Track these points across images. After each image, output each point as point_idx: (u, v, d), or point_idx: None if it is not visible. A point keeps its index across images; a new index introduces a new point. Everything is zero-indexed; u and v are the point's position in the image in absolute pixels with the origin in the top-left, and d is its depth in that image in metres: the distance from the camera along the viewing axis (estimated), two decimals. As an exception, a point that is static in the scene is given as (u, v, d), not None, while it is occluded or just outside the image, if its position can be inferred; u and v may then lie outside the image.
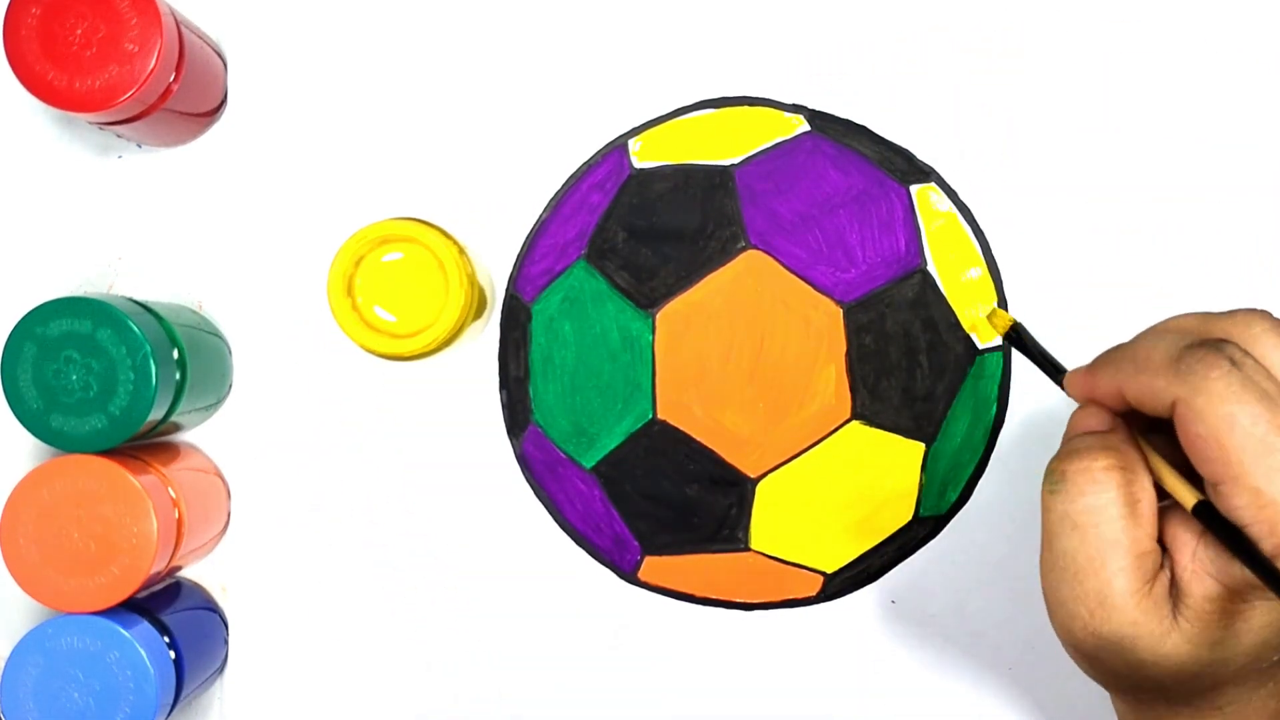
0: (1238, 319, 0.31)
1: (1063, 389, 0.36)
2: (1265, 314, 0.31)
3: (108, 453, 0.43)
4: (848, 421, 0.47)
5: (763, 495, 0.48)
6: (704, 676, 0.48)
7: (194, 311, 0.48)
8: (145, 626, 0.43)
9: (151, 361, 0.42)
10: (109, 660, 0.42)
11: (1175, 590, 0.31)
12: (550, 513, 0.48)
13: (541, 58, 0.48)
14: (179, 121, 0.47)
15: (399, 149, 0.49)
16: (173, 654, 0.44)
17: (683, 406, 0.48)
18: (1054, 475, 0.32)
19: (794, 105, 0.48)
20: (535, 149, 0.48)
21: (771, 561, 0.48)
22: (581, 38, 0.48)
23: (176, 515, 0.44)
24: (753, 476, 0.48)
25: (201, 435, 0.49)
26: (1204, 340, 0.30)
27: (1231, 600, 0.31)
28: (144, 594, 0.46)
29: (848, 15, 0.48)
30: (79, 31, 0.42)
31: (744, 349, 0.47)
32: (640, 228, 0.48)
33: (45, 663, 0.42)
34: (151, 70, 0.42)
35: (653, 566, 0.48)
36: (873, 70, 0.48)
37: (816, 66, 0.48)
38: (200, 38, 0.47)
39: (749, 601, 0.48)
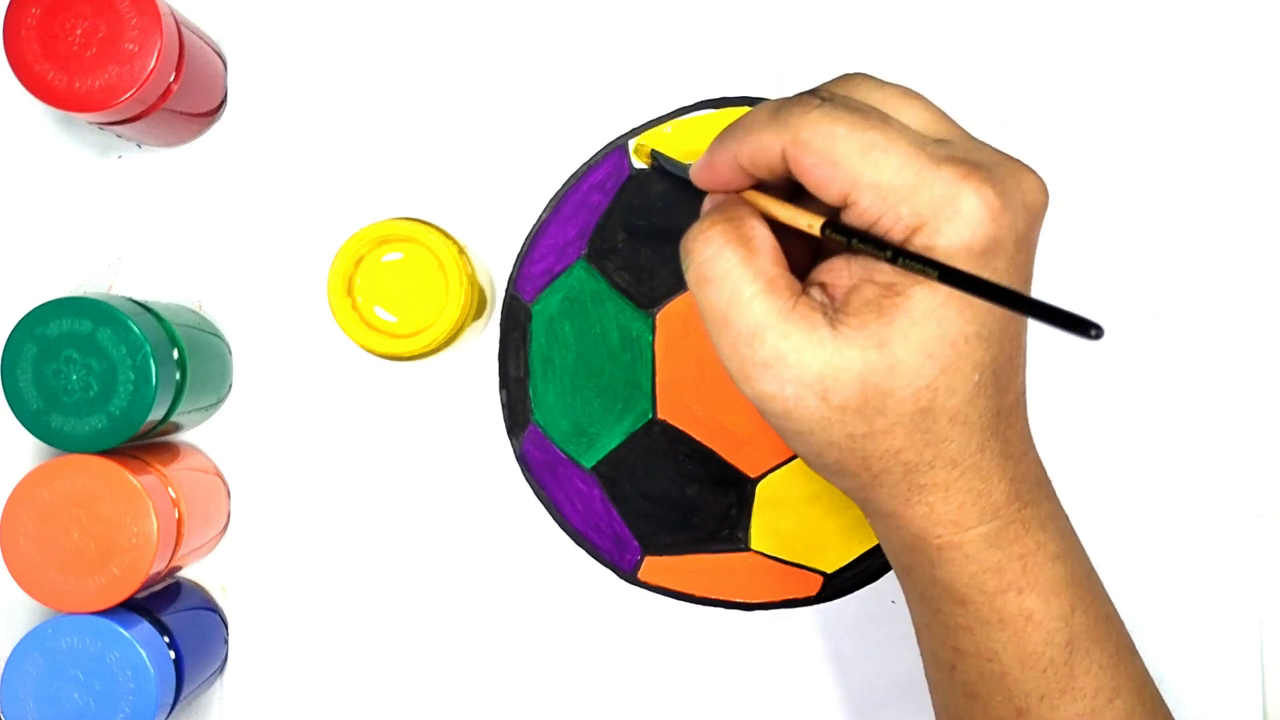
0: (837, 79, 0.34)
1: (694, 189, 0.37)
2: (865, 75, 0.34)
3: (108, 453, 0.43)
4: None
5: (763, 495, 0.48)
6: (704, 676, 0.48)
7: (194, 311, 0.48)
8: (145, 626, 0.43)
9: (151, 361, 0.42)
10: (109, 660, 0.42)
11: (832, 310, 0.32)
12: (550, 513, 0.48)
13: (541, 58, 0.48)
14: (179, 121, 0.47)
15: (399, 149, 0.49)
16: (173, 654, 0.44)
17: (683, 406, 0.48)
18: (681, 256, 0.34)
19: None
20: (535, 149, 0.48)
21: (771, 561, 0.48)
22: (582, 38, 0.48)
23: (176, 515, 0.44)
24: (753, 476, 0.48)
25: (201, 435, 0.49)
26: (797, 96, 0.33)
27: (887, 294, 0.31)
28: (144, 594, 0.46)
29: (848, 15, 0.48)
30: (79, 31, 0.42)
31: (744, 349, 0.47)
32: (640, 228, 0.48)
33: (45, 663, 0.42)
34: (151, 70, 0.42)
35: (653, 566, 0.48)
36: (872, 70, 0.48)
37: (816, 66, 0.48)
38: (200, 38, 0.47)
39: (749, 601, 0.48)
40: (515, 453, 0.48)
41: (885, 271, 0.31)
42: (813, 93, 0.33)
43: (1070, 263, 0.47)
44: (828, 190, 0.31)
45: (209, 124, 0.49)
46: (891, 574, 0.48)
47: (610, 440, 0.48)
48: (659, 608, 0.48)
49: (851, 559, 0.48)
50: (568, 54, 0.48)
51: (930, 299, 0.31)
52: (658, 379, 0.48)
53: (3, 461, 0.48)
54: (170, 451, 0.47)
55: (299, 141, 0.49)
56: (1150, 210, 0.47)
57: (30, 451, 0.48)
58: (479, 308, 0.46)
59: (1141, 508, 0.47)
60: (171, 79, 0.44)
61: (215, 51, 0.48)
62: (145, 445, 0.46)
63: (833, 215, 0.32)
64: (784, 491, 0.48)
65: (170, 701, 0.43)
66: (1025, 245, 0.32)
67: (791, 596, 0.48)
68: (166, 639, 0.44)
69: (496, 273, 0.49)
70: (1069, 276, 0.47)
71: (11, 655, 0.42)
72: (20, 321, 0.42)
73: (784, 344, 0.31)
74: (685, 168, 0.40)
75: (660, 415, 0.48)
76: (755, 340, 0.31)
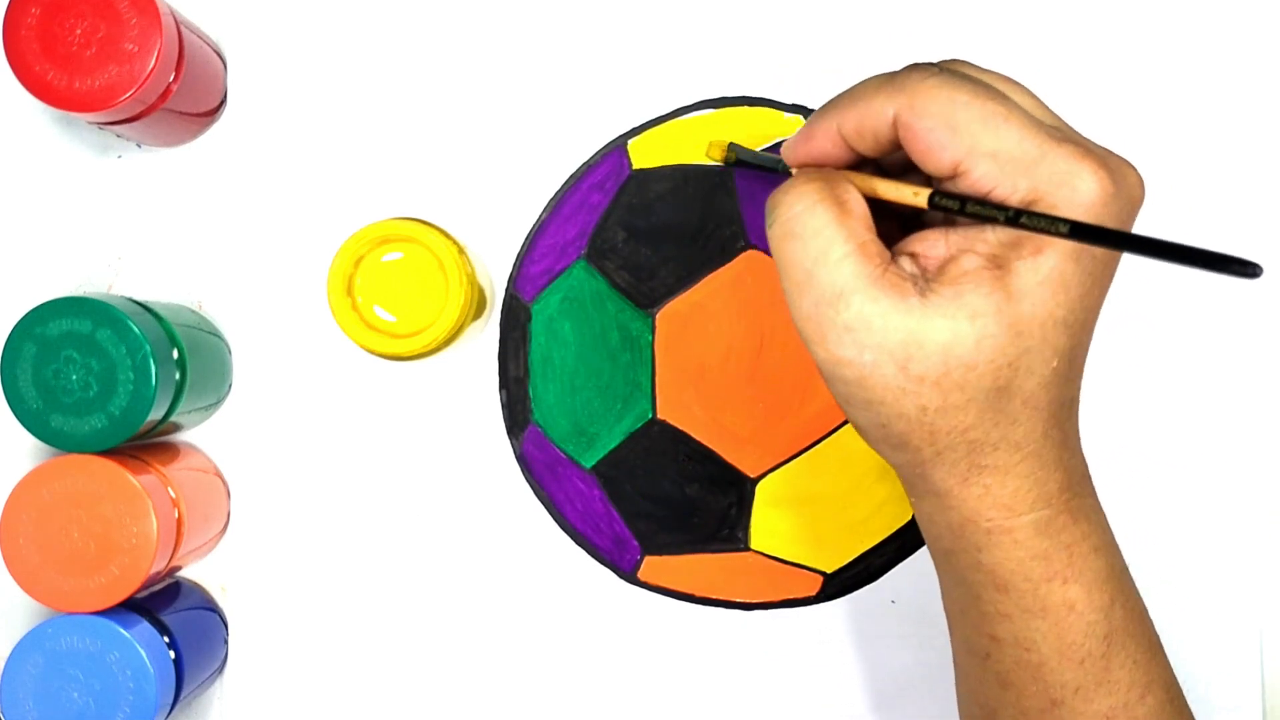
0: (945, 61, 0.34)
1: (782, 171, 0.36)
2: (967, 61, 0.34)
3: (108, 453, 0.43)
4: (847, 421, 0.47)
5: (762, 495, 0.48)
6: (704, 676, 0.48)
7: (194, 311, 0.48)
8: (145, 626, 0.43)
9: (151, 361, 0.42)
10: (109, 660, 0.42)
11: (927, 279, 0.31)
12: (550, 513, 0.48)
13: (541, 58, 0.48)
14: (179, 121, 0.47)
15: (399, 149, 0.49)
16: (173, 654, 0.44)
17: (683, 406, 0.48)
18: (768, 211, 0.33)
19: (794, 105, 0.48)
20: (535, 149, 0.48)
21: (771, 561, 0.48)
22: (581, 38, 0.48)
23: (176, 515, 0.44)
24: (752, 476, 0.48)
25: (201, 435, 0.49)
26: (910, 65, 0.33)
27: (989, 266, 0.31)
28: (144, 594, 0.46)
29: (847, 15, 0.48)
30: (79, 31, 0.42)
31: (744, 349, 0.47)
32: (640, 228, 0.48)
33: (45, 663, 0.42)
34: (151, 70, 0.42)
35: (653, 566, 0.48)
36: (872, 70, 0.48)
37: (816, 66, 0.48)
38: (200, 38, 0.47)
39: (749, 601, 0.48)
40: (515, 453, 0.48)
41: (989, 243, 0.31)
42: (927, 63, 0.32)
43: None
44: (939, 157, 0.31)
45: (209, 124, 0.49)
46: (891, 574, 0.48)
47: (610, 440, 0.48)
48: (659, 608, 0.48)
49: (851, 559, 0.48)
50: (568, 54, 0.48)
51: (1031, 277, 0.30)
52: (657, 379, 0.48)
53: (3, 461, 0.48)
54: (170, 451, 0.47)
55: (299, 141, 0.49)
56: (1152, 210, 0.47)
57: (30, 451, 0.48)
58: (479, 308, 0.46)
59: (1142, 508, 0.47)
60: (171, 79, 0.44)
61: (215, 51, 0.48)
62: (145, 445, 0.46)
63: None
64: (784, 491, 0.48)
65: (170, 701, 0.43)
66: (1128, 224, 0.32)
67: (791, 596, 0.48)
68: (166, 639, 0.44)
69: (496, 273, 0.49)
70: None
71: (11, 655, 0.42)
72: (20, 321, 0.42)
73: (870, 308, 0.31)
74: (770, 158, 0.40)
75: (660, 415, 0.48)
76: (840, 302, 0.31)
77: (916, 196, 0.32)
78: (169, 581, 0.48)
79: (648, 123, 0.48)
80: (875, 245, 0.32)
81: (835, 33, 0.48)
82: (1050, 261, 0.30)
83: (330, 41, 0.49)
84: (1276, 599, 0.47)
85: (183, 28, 0.44)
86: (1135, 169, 0.32)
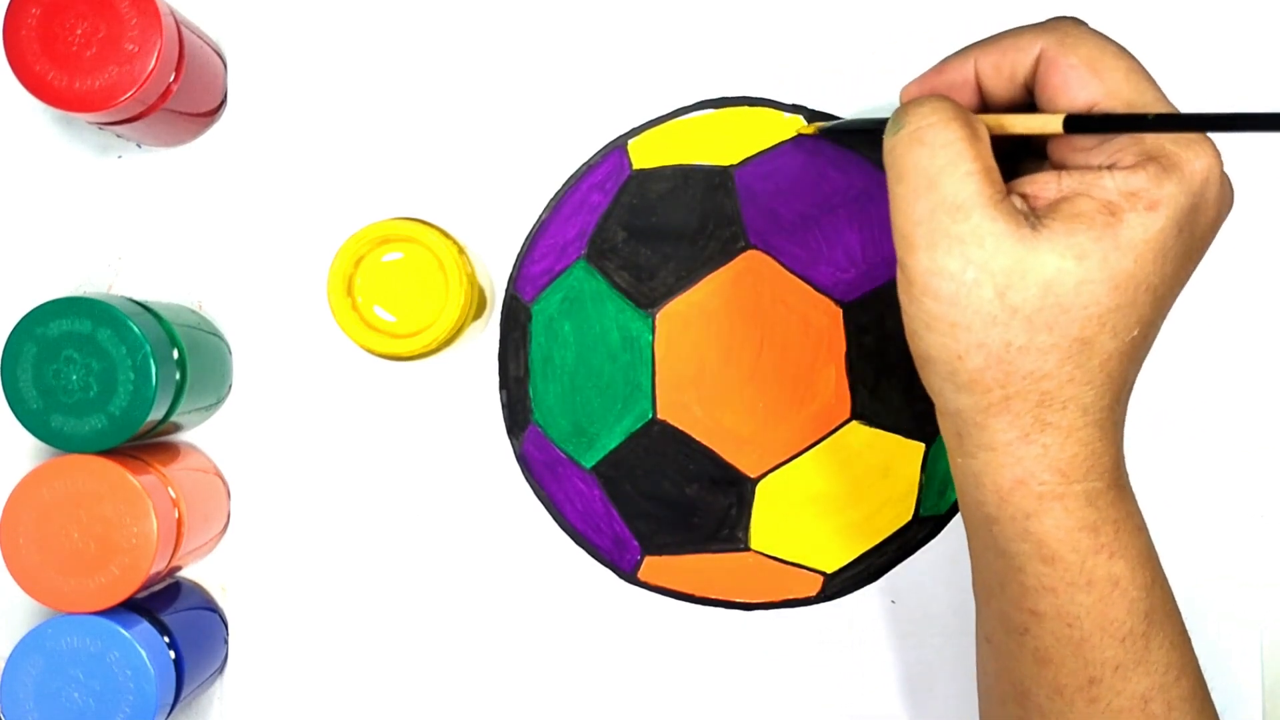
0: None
1: (885, 131, 0.35)
2: None
3: (108, 453, 0.43)
4: (847, 421, 0.47)
5: (763, 495, 0.48)
6: (704, 676, 0.48)
7: (194, 311, 0.48)
8: (145, 626, 0.43)
9: (151, 361, 0.42)
10: (109, 660, 0.42)
11: (1037, 216, 0.32)
12: (550, 513, 0.48)
13: (542, 58, 0.48)
14: (179, 121, 0.47)
15: (399, 149, 0.49)
16: (173, 654, 0.44)
17: (683, 406, 0.48)
18: (895, 119, 0.33)
19: (794, 105, 0.48)
20: (535, 149, 0.48)
21: (771, 561, 0.48)
22: (582, 38, 0.48)
23: (176, 515, 0.44)
24: (752, 476, 0.48)
25: (201, 435, 0.49)
26: (1059, 16, 0.34)
27: (1103, 211, 0.31)
28: (144, 594, 0.46)
29: (847, 15, 0.48)
30: (79, 31, 0.42)
31: (744, 349, 0.47)
32: (640, 228, 0.48)
33: (45, 663, 0.42)
34: (151, 70, 0.42)
35: (653, 566, 0.48)
36: (872, 70, 0.48)
37: (816, 66, 0.48)
38: (200, 38, 0.47)
39: (749, 601, 0.48)
40: (515, 453, 0.48)
41: (1107, 190, 0.31)
42: (1074, 17, 0.34)
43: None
44: (1076, 94, 0.32)
45: (209, 124, 0.49)
46: (891, 574, 0.48)
47: (610, 440, 0.48)
48: (659, 608, 0.48)
49: (851, 559, 0.48)
50: (568, 54, 0.48)
51: (1141, 231, 0.31)
52: (658, 379, 0.48)
53: (3, 461, 0.48)
54: (170, 451, 0.47)
55: (299, 141, 0.49)
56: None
57: (30, 451, 0.48)
58: (479, 308, 0.46)
59: (1143, 505, 0.47)
60: (171, 79, 0.44)
61: (215, 51, 0.48)
62: (145, 445, 0.46)
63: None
64: (784, 491, 0.48)
65: (170, 701, 0.43)
66: (1216, 227, 0.33)
67: (791, 596, 0.48)
68: (166, 639, 0.44)
69: (496, 273, 0.49)
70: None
71: (11, 655, 0.42)
72: (20, 321, 0.42)
73: (987, 226, 0.31)
74: (871, 120, 0.40)
75: (660, 415, 0.48)
76: (959, 212, 0.31)
77: (1047, 125, 0.32)
78: (169, 581, 0.48)
79: (648, 123, 0.48)
80: (998, 174, 0.32)
81: (835, 33, 0.48)
82: (1160, 221, 0.31)
83: (330, 41, 0.49)
84: (1276, 599, 0.47)
85: (183, 28, 0.44)
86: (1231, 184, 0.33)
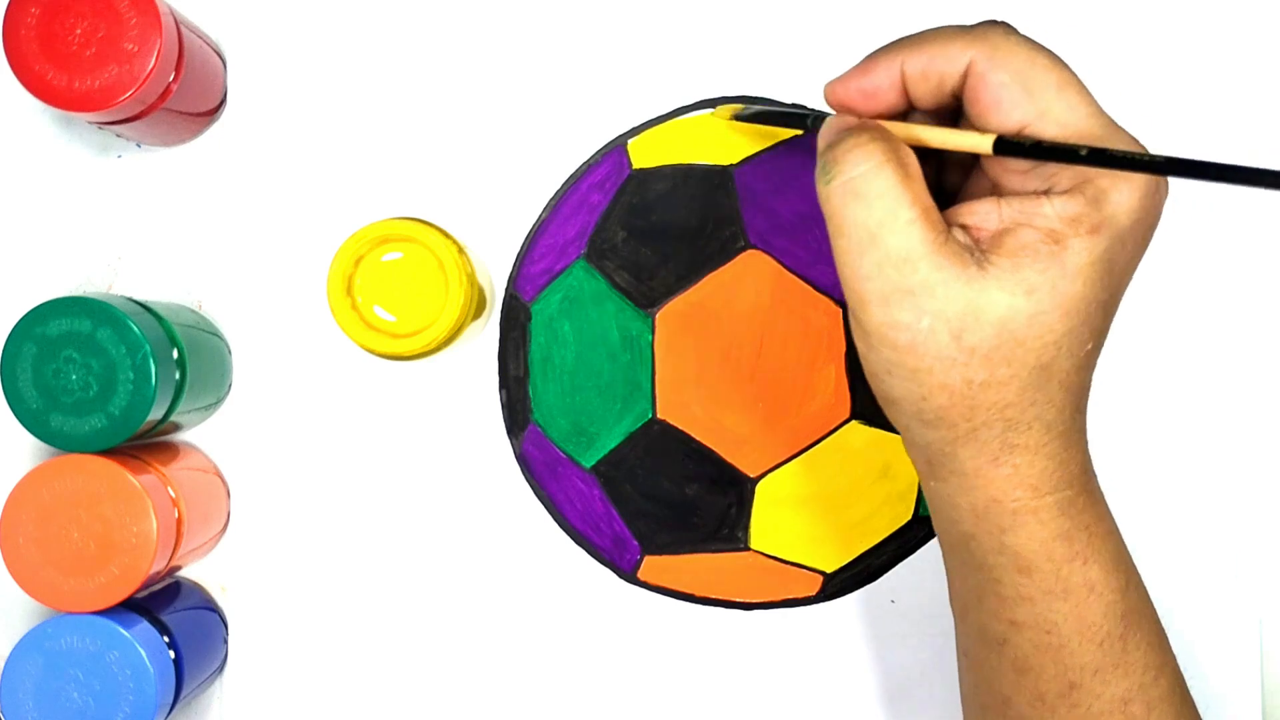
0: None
1: (810, 129, 0.35)
2: None
3: (108, 453, 0.43)
4: (847, 421, 0.47)
5: (762, 495, 0.48)
6: (704, 676, 0.48)
7: (194, 311, 0.48)
8: (145, 626, 0.43)
9: (151, 361, 0.42)
10: (109, 660, 0.42)
11: (980, 250, 0.31)
12: (550, 513, 0.48)
13: (541, 58, 0.48)
14: (179, 121, 0.47)
15: (399, 149, 0.49)
16: (172, 654, 0.44)
17: (682, 406, 0.48)
18: (825, 165, 0.32)
19: (794, 105, 0.48)
20: (535, 149, 0.48)
21: (771, 561, 0.48)
22: (581, 38, 0.48)
23: (176, 515, 0.44)
24: (752, 476, 0.48)
25: (201, 435, 0.49)
26: (989, 20, 0.33)
27: (1046, 240, 0.31)
28: (144, 594, 0.46)
29: (847, 15, 0.48)
30: (79, 31, 0.42)
31: (744, 349, 0.47)
32: (640, 227, 0.48)
33: (45, 663, 0.42)
34: (151, 70, 0.42)
35: (652, 566, 0.48)
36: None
37: (816, 66, 0.48)
38: (200, 38, 0.47)
39: (749, 601, 0.48)
40: (515, 453, 0.48)
41: (1048, 218, 0.31)
42: (1004, 22, 0.33)
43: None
44: (1006, 114, 0.31)
45: (208, 124, 0.49)
46: (891, 573, 0.48)
47: (610, 440, 0.48)
48: (659, 607, 0.48)
49: (851, 559, 0.48)
50: (568, 54, 0.48)
51: (1086, 255, 0.31)
52: (657, 379, 0.48)
53: (3, 461, 0.48)
54: (170, 451, 0.47)
55: (299, 141, 0.49)
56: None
57: (30, 451, 0.48)
58: (479, 307, 0.46)
59: (1141, 506, 0.47)
60: (171, 79, 0.44)
61: (215, 51, 0.48)
62: (145, 445, 0.46)
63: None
64: (784, 491, 0.48)
65: (170, 701, 0.43)
66: (1150, 236, 0.32)
67: (791, 596, 0.48)
68: (166, 639, 0.44)
69: (496, 273, 0.49)
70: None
71: (11, 655, 0.42)
72: (20, 321, 0.42)
73: (935, 275, 0.30)
74: (793, 111, 0.39)
75: (660, 415, 0.48)
76: (906, 265, 0.31)
77: (978, 145, 0.31)
78: (169, 581, 0.48)
79: (648, 123, 0.48)
80: (937, 213, 0.31)
81: (835, 33, 0.48)
82: (1104, 242, 0.31)
83: (330, 41, 0.49)
84: (1276, 595, 0.47)
85: (183, 28, 0.44)
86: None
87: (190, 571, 0.49)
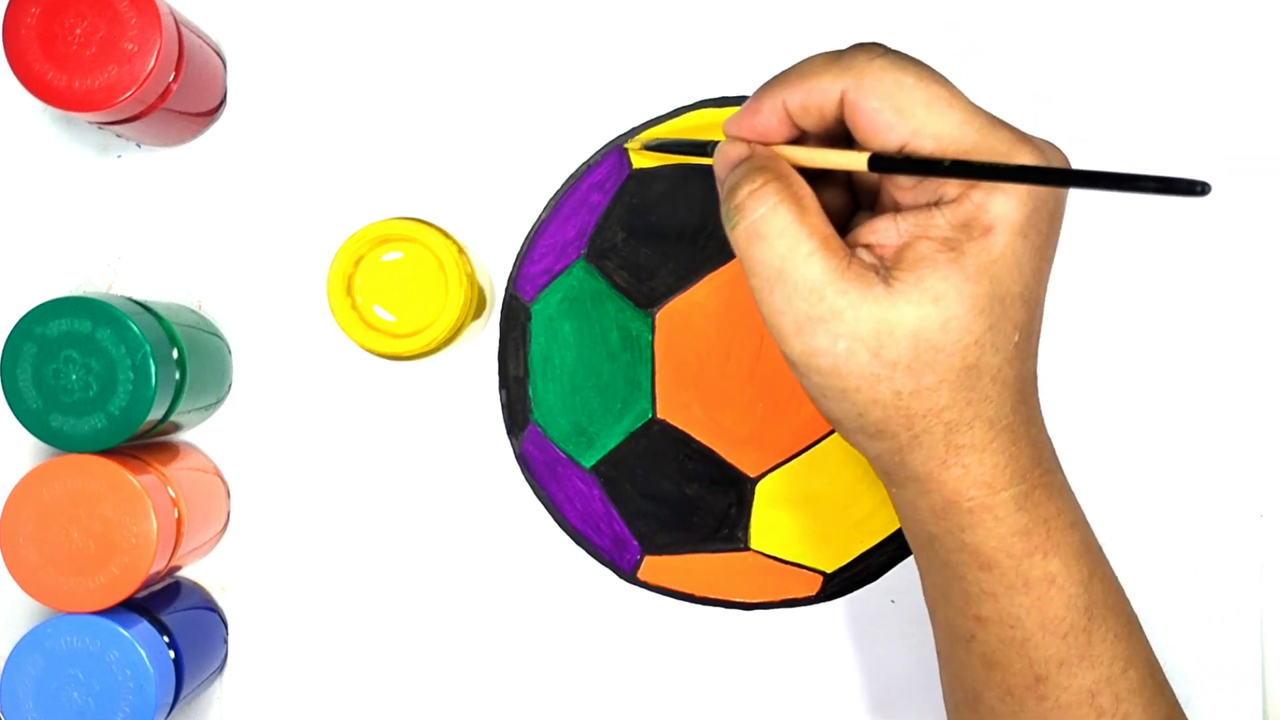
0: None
1: (709, 155, 0.36)
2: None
3: (107, 453, 0.43)
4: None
5: (762, 495, 0.48)
6: (704, 676, 0.48)
7: (194, 311, 0.48)
8: (145, 626, 0.43)
9: (151, 361, 0.42)
10: (109, 660, 0.42)
11: (885, 268, 0.32)
12: (550, 513, 0.48)
13: (541, 58, 0.48)
14: (179, 121, 0.47)
15: (399, 149, 0.49)
16: (172, 654, 0.44)
17: (682, 406, 0.48)
18: (729, 213, 0.33)
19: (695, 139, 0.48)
20: (535, 149, 0.48)
21: (771, 561, 0.48)
22: (582, 38, 0.48)
23: (176, 515, 0.44)
24: (752, 476, 0.48)
25: (201, 435, 0.49)
26: (856, 45, 0.33)
27: (943, 249, 0.32)
28: (144, 594, 0.46)
29: (847, 15, 0.48)
30: (79, 31, 0.42)
31: (744, 349, 0.47)
32: (640, 227, 0.48)
33: (45, 663, 0.42)
34: (151, 70, 0.42)
35: (652, 566, 0.48)
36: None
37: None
38: (200, 38, 0.47)
39: (749, 601, 0.48)
40: (515, 452, 0.48)
41: (941, 228, 0.32)
42: (872, 43, 0.33)
43: (1075, 258, 0.47)
44: (885, 137, 0.32)
45: (208, 124, 0.49)
46: (892, 573, 0.48)
47: (610, 440, 0.48)
48: (659, 608, 0.48)
49: (851, 559, 0.48)
50: (568, 54, 0.48)
51: (984, 256, 0.31)
52: (657, 379, 0.48)
53: (3, 461, 0.48)
54: (170, 451, 0.47)
55: (299, 141, 0.49)
56: (1154, 206, 0.47)
57: (30, 451, 0.48)
58: (479, 307, 0.46)
59: (1142, 504, 0.47)
60: (171, 79, 0.44)
61: (215, 51, 0.48)
62: (145, 445, 0.46)
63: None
64: (784, 491, 0.48)
65: (170, 701, 0.43)
66: (1059, 216, 0.33)
67: (791, 596, 0.48)
68: (166, 639, 0.44)
69: (496, 273, 0.49)
70: (1073, 271, 0.47)
71: (11, 655, 0.42)
72: (20, 321, 0.42)
73: (841, 300, 0.31)
74: (693, 141, 0.40)
75: (660, 415, 0.48)
76: (812, 295, 0.32)
77: (855, 163, 0.32)
78: (169, 581, 0.48)
79: (648, 123, 0.48)
80: (836, 239, 0.33)
81: (835, 33, 0.48)
82: (1001, 240, 0.31)
83: (330, 41, 0.49)
84: (1276, 596, 0.47)
85: (183, 28, 0.44)
86: (1062, 152, 0.33)
87: (190, 571, 0.49)
